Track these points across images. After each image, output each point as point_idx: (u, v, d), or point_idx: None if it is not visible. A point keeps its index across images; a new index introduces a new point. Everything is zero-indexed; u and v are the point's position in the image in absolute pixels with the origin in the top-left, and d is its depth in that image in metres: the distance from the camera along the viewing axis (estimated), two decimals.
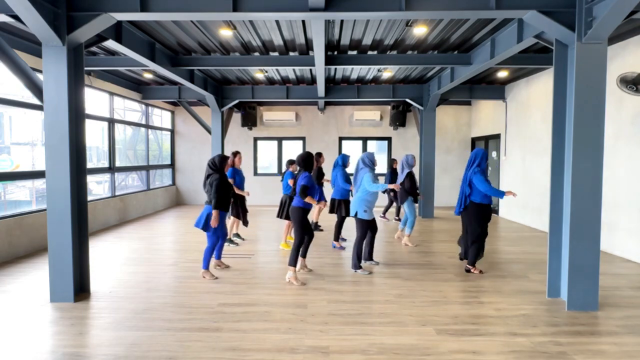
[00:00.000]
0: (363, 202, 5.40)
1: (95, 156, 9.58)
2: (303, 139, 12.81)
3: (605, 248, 6.48)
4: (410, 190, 7.05)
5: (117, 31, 5.45)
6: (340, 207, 6.68)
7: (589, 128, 4.09)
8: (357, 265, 5.48)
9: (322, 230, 8.31)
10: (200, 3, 4.40)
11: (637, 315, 4.05)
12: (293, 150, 12.77)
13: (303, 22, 5.86)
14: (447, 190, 12.52)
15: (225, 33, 6.19)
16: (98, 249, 6.79)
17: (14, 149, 7.51)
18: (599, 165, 4.10)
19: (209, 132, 10.97)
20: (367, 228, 5.50)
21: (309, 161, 5.07)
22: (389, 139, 12.75)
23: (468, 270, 5.46)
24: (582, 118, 4.09)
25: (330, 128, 12.72)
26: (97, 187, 9.56)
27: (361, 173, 5.46)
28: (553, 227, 4.44)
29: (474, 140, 12.45)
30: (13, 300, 4.39)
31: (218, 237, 5.24)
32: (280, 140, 12.87)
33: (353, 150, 12.75)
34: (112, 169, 9.41)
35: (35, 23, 4.00)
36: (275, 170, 12.87)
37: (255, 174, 12.83)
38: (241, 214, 6.80)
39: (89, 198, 7.75)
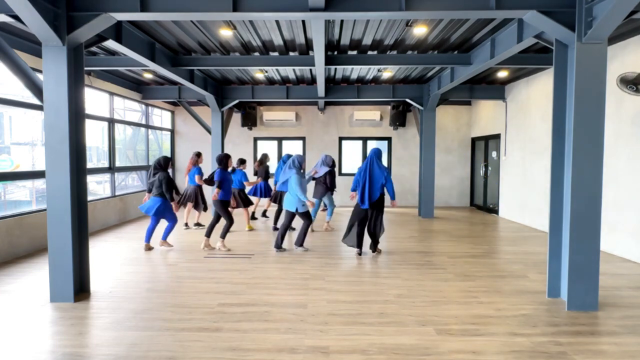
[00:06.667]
0: (297, 200, 6.42)
1: (95, 156, 9.58)
2: (303, 139, 12.80)
3: (605, 248, 6.48)
4: (330, 186, 8.16)
5: (117, 31, 5.45)
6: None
7: (589, 128, 4.09)
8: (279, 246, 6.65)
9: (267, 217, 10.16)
10: (200, 3, 4.41)
11: (637, 315, 4.05)
12: (293, 150, 12.76)
13: (303, 22, 5.86)
14: (447, 190, 12.54)
15: (225, 33, 6.20)
16: (98, 249, 6.79)
17: (14, 149, 7.51)
18: (599, 165, 4.10)
19: (209, 132, 10.97)
20: (308, 217, 6.59)
21: (224, 161, 6.65)
22: (389, 139, 12.74)
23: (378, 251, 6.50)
24: (582, 118, 4.09)
25: (330, 128, 12.71)
26: (97, 187, 9.56)
27: (288, 173, 6.51)
28: (553, 227, 4.43)
29: (474, 140, 12.45)
30: (13, 300, 4.39)
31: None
32: (280, 140, 12.86)
33: (353, 150, 12.78)
34: (112, 169, 9.41)
35: (35, 23, 4.00)
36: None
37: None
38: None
39: (89, 198, 7.75)
